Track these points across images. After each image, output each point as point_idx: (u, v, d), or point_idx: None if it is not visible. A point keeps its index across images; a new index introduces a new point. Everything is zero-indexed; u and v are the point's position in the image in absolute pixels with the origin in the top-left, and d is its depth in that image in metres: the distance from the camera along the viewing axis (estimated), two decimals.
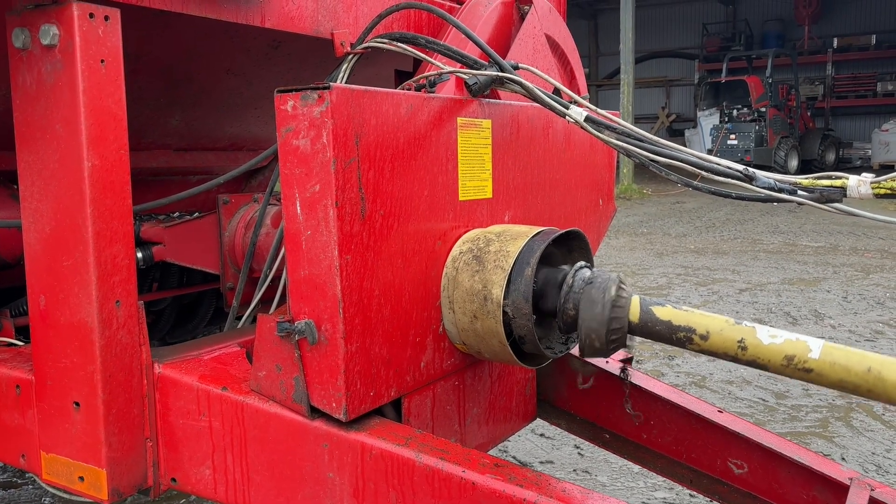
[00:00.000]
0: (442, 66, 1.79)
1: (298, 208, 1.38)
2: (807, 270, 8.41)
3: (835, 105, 23.00)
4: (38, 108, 1.44)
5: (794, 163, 17.58)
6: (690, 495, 3.24)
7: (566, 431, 2.12)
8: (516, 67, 1.72)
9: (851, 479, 1.61)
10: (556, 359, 1.82)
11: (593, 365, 2.05)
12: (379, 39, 1.91)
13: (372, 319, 1.44)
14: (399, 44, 1.87)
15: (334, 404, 1.40)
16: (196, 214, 2.31)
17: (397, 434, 1.43)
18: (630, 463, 3.61)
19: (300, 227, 1.38)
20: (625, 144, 1.56)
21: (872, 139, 19.65)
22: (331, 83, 1.33)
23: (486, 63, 1.76)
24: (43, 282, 1.49)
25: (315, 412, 1.42)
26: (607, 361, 2.03)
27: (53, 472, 1.55)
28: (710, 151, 16.59)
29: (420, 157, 1.54)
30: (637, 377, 1.97)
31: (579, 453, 3.70)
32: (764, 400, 4.48)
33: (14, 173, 1.98)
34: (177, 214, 2.28)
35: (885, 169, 19.21)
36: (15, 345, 1.80)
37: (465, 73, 1.69)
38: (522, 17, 2.31)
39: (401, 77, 2.47)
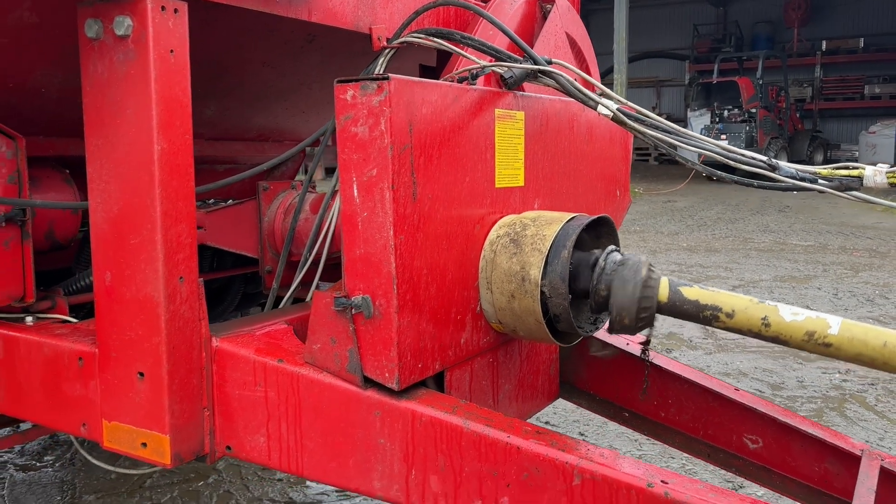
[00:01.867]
0: (478, 60, 1.89)
1: (356, 191, 1.48)
2: (797, 268, 8.57)
3: (823, 107, 23.26)
4: (108, 94, 1.53)
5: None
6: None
7: (587, 410, 2.23)
8: (550, 62, 1.83)
9: (863, 450, 1.73)
10: (576, 342, 1.93)
11: (614, 346, 2.16)
12: (416, 34, 2.01)
13: (420, 296, 1.54)
14: (436, 39, 1.97)
15: (387, 374, 1.50)
16: (230, 201, 2.40)
17: (444, 403, 1.53)
18: (633, 449, 3.73)
19: (357, 208, 1.48)
20: (655, 134, 1.66)
21: (860, 141, 19.92)
22: (389, 74, 1.43)
23: (520, 58, 1.86)
24: (109, 259, 1.58)
25: (368, 382, 1.52)
26: (627, 343, 2.14)
27: (115, 439, 1.63)
28: None
29: (463, 144, 1.64)
30: (656, 358, 2.08)
31: (584, 440, 3.82)
32: (760, 391, 4.61)
33: (67, 158, 2.08)
34: (212, 201, 2.37)
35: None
36: (69, 321, 1.89)
37: (505, 67, 1.78)
38: (545, 16, 2.42)
39: (424, 72, 2.57)
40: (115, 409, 1.62)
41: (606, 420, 4.03)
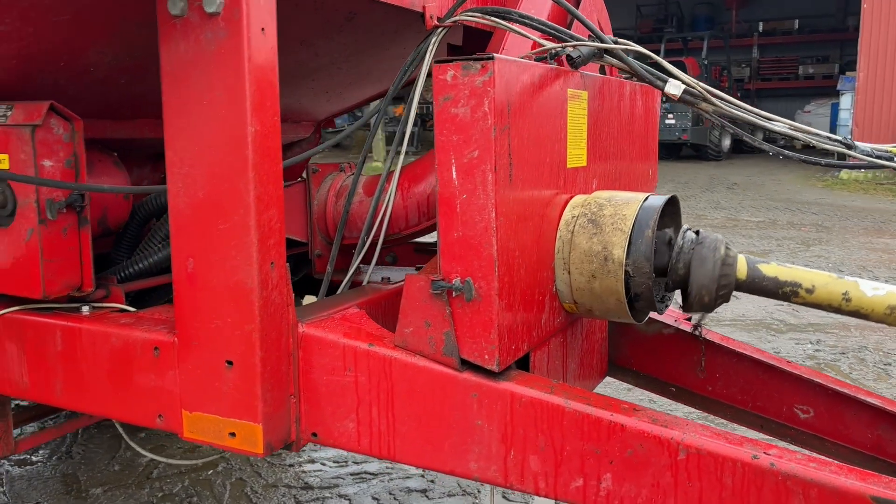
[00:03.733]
0: (533, 38, 1.88)
1: (454, 173, 1.46)
2: (752, 243, 8.85)
3: (760, 87, 23.96)
4: (193, 75, 1.47)
5: (727, 142, 18.29)
6: None
7: (633, 386, 2.27)
8: (615, 42, 1.83)
9: None
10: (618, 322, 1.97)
11: (661, 323, 2.21)
12: (470, 13, 1.98)
13: (514, 278, 1.54)
14: (492, 18, 1.95)
15: (486, 356, 1.49)
16: None
17: (540, 384, 1.54)
18: None
19: (455, 191, 1.47)
20: (730, 110, 1.69)
21: (795, 120, 20.56)
22: (493, 54, 1.42)
23: (584, 38, 1.86)
24: (192, 245, 1.53)
25: (464, 364, 1.52)
26: (676, 320, 2.19)
27: (198, 430, 1.59)
28: None
29: (545, 125, 1.64)
30: (706, 333, 2.13)
31: None
32: None
33: (111, 141, 1.99)
34: None
35: (807, 149, 20.21)
36: (126, 310, 1.82)
37: (573, 46, 1.78)
38: (578, 1, 2.42)
39: (452, 51, 2.54)
40: (198, 399, 1.58)
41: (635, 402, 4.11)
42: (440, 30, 2.02)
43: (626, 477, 1.46)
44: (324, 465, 3.37)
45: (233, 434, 1.55)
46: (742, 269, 1.66)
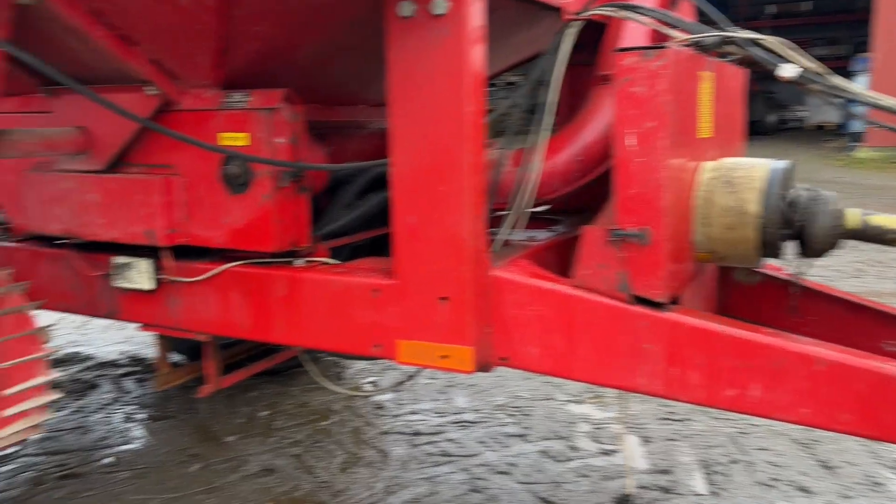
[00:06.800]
0: (655, 26, 2.23)
1: (632, 140, 1.80)
2: None
3: None
4: (419, 65, 1.81)
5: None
6: None
7: None
8: (735, 34, 2.17)
9: None
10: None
11: (760, 273, 2.55)
12: (604, 8, 2.32)
13: (672, 230, 1.88)
14: (624, 12, 2.29)
15: (656, 291, 1.84)
16: None
17: (696, 314, 1.88)
18: None
19: (632, 155, 1.81)
20: (842, 90, 2.03)
21: (809, 101, 20.84)
22: (665, 44, 1.76)
23: (706, 28, 2.20)
24: (414, 205, 1.87)
25: (635, 299, 1.87)
26: (774, 271, 2.53)
27: (412, 354, 1.94)
28: None
29: (689, 101, 1.98)
30: (801, 281, 2.48)
31: None
32: None
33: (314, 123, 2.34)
34: None
35: (820, 128, 20.53)
36: (329, 263, 2.16)
37: (701, 37, 2.11)
38: None
39: None
40: (414, 329, 1.93)
41: None
42: (577, 22, 2.36)
43: (771, 386, 1.80)
44: (426, 415, 3.74)
45: (445, 356, 1.91)
46: (854, 221, 2.00)
